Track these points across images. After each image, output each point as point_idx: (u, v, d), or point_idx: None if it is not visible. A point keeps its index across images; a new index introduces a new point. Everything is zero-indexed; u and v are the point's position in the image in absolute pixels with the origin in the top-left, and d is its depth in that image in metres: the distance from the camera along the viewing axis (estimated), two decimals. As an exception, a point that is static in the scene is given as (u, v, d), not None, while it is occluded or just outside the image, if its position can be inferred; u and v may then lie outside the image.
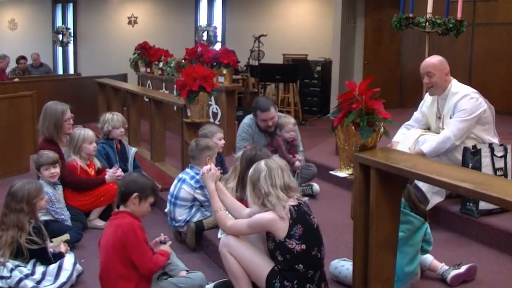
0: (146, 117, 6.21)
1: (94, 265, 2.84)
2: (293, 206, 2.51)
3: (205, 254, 3.56)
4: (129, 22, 12.33)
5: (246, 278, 2.62)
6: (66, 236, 3.49)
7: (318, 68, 9.14)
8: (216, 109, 6.43)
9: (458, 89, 3.65)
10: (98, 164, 4.30)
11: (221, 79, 6.32)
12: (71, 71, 12.92)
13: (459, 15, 4.95)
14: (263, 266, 2.56)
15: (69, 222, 3.83)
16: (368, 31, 9.34)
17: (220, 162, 4.00)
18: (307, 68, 8.72)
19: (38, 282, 2.95)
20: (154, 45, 8.86)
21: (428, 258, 2.88)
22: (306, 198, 3.22)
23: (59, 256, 3.11)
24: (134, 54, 9.09)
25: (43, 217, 3.62)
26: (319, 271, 2.55)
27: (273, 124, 4.30)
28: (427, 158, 3.50)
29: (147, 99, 6.73)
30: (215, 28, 10.48)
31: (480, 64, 7.34)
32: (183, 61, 7.42)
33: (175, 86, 5.37)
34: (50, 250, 3.12)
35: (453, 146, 3.55)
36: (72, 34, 12.56)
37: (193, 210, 3.65)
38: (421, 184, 3.36)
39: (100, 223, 4.05)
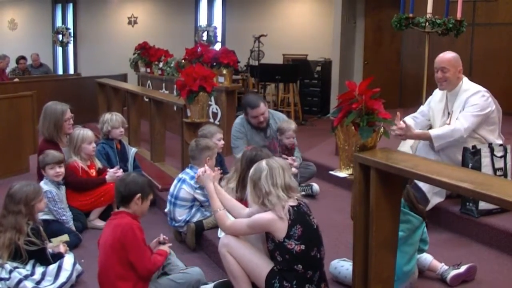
0: (146, 117, 6.21)
1: (94, 265, 2.84)
2: (292, 206, 2.51)
3: (205, 254, 3.56)
4: (129, 22, 12.33)
5: (246, 278, 2.63)
6: (66, 237, 3.49)
7: (318, 68, 9.12)
8: (216, 109, 6.43)
9: (469, 86, 3.64)
10: (99, 164, 4.31)
11: (221, 79, 6.32)
12: (71, 71, 12.92)
13: (459, 15, 4.94)
14: (262, 266, 2.56)
15: (71, 224, 3.83)
16: (368, 31, 9.34)
17: (220, 162, 4.01)
18: (307, 68, 8.71)
19: (38, 283, 2.95)
20: (154, 45, 8.85)
21: (428, 258, 2.88)
22: (305, 201, 3.21)
23: (59, 256, 3.11)
24: (134, 54, 9.09)
25: (44, 216, 3.62)
26: (318, 271, 2.55)
27: (265, 119, 4.28)
28: (429, 153, 3.51)
29: (147, 99, 6.73)
30: (215, 28, 10.47)
31: (480, 64, 7.32)
32: (183, 61, 7.42)
33: (175, 86, 5.37)
34: (49, 250, 3.12)
35: (461, 139, 3.49)
36: (72, 34, 12.56)
37: (193, 210, 3.66)
38: (421, 185, 3.36)
39: (100, 223, 4.05)
